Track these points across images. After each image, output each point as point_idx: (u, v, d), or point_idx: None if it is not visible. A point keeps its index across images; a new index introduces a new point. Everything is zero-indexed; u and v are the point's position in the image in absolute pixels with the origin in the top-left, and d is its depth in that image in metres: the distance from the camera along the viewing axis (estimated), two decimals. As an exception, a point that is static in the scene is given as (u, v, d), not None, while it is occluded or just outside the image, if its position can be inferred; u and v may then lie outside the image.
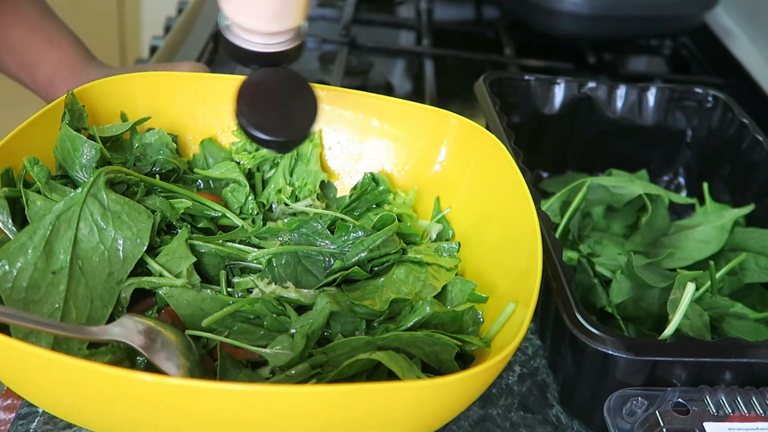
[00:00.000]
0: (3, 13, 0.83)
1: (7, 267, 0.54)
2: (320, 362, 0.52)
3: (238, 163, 0.70)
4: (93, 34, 0.90)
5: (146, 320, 0.54)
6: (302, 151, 0.71)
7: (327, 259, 0.63)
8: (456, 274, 0.63)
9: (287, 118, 0.57)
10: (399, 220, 0.68)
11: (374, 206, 0.69)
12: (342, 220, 0.66)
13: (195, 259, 0.59)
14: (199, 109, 0.72)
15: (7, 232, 0.57)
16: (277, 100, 0.57)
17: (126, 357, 0.53)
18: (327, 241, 0.63)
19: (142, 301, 0.58)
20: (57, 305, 0.54)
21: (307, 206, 0.69)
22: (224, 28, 0.56)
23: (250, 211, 0.68)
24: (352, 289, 0.60)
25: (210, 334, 0.55)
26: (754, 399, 0.55)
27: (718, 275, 0.70)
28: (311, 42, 1.20)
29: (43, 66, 0.83)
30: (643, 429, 0.54)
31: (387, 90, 1.16)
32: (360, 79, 1.15)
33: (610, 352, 0.54)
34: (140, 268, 0.58)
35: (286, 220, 0.67)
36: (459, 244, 0.65)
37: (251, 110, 0.56)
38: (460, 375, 0.44)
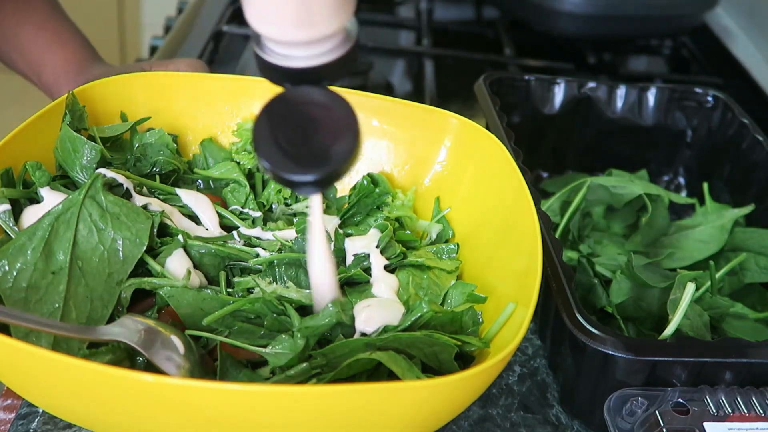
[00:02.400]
0: (14, 13, 0.84)
1: (6, 267, 0.54)
2: (320, 364, 0.52)
3: (238, 163, 0.70)
4: (93, 34, 0.90)
5: (146, 320, 0.54)
6: (302, 151, 0.71)
7: None
8: (457, 276, 0.63)
9: (316, 152, 0.46)
10: (399, 222, 0.68)
11: (375, 208, 0.69)
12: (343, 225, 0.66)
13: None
14: (199, 109, 0.72)
15: (9, 232, 0.57)
16: (305, 129, 0.46)
17: (126, 357, 0.53)
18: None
19: (142, 301, 0.58)
20: (57, 305, 0.54)
21: (307, 207, 0.69)
22: (254, 40, 0.46)
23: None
24: (354, 291, 0.60)
25: (210, 334, 0.55)
26: (754, 399, 0.55)
27: (718, 275, 0.70)
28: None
29: (49, 65, 0.84)
30: (643, 429, 0.54)
31: (387, 90, 1.16)
32: (360, 79, 1.15)
33: (610, 352, 0.54)
34: (140, 269, 0.58)
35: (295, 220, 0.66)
36: (458, 245, 0.65)
37: (271, 142, 0.45)
38: (460, 375, 0.44)
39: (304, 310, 0.58)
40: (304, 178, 0.45)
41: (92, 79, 0.69)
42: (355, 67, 0.47)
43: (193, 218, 0.65)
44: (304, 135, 0.46)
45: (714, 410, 0.54)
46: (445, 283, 0.62)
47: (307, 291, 0.59)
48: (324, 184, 0.46)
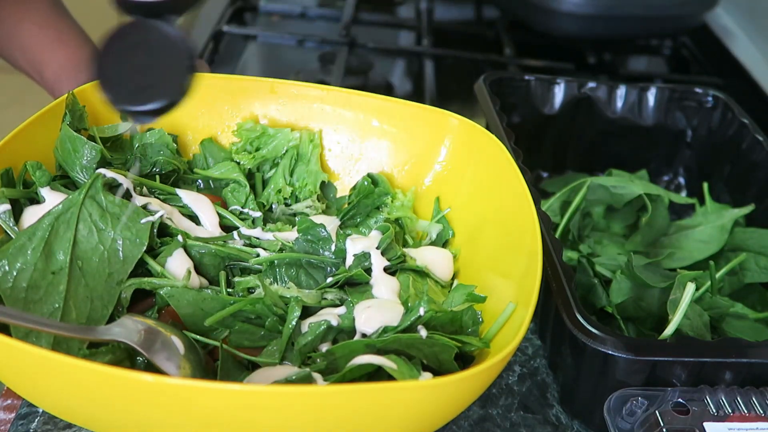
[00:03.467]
0: (16, 10, 0.84)
1: (7, 267, 0.54)
2: (319, 368, 0.52)
3: (238, 163, 0.70)
4: (93, 34, 0.90)
5: (146, 320, 0.54)
6: (302, 151, 0.71)
7: (329, 268, 0.63)
8: (454, 278, 0.63)
9: (148, 82, 0.49)
10: (398, 223, 0.68)
11: (375, 208, 0.69)
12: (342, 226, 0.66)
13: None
14: (199, 109, 0.72)
15: (9, 232, 0.57)
16: (142, 61, 0.50)
17: (126, 357, 0.53)
18: (330, 252, 0.63)
19: (142, 301, 0.58)
20: (57, 305, 0.54)
21: (307, 207, 0.69)
22: None
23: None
24: (355, 292, 0.60)
25: (208, 340, 0.55)
26: (754, 399, 0.55)
27: (718, 275, 0.70)
28: (311, 42, 1.20)
29: (51, 64, 0.84)
30: (643, 429, 0.54)
31: (387, 90, 1.16)
32: (360, 79, 1.15)
33: (610, 352, 0.54)
34: (140, 269, 0.58)
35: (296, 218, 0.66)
36: (457, 251, 0.66)
37: (110, 71, 0.49)
38: (460, 375, 0.44)
39: (306, 309, 0.58)
40: (141, 108, 0.49)
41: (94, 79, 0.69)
42: (191, 6, 0.51)
43: (193, 218, 0.65)
44: (143, 67, 0.50)
45: (714, 410, 0.54)
46: (444, 295, 0.62)
47: (308, 291, 0.59)
48: (159, 114, 0.50)
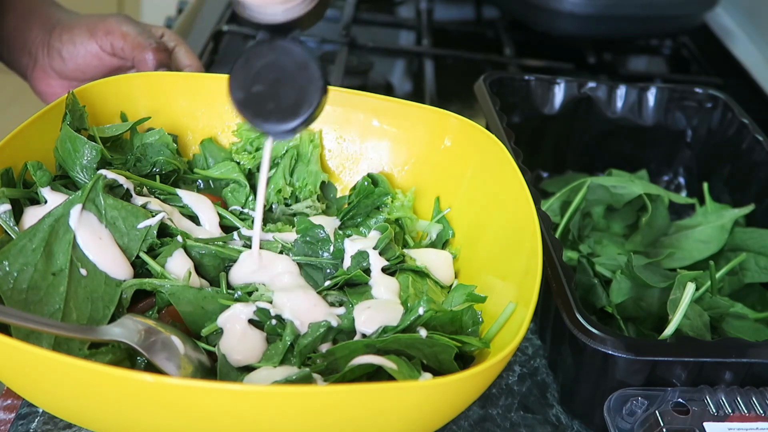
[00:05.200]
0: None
1: (8, 268, 0.54)
2: (319, 368, 0.52)
3: (238, 163, 0.70)
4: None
5: (146, 320, 0.54)
6: (302, 151, 0.71)
7: (328, 269, 0.63)
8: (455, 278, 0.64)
9: (284, 101, 0.52)
10: (398, 223, 0.68)
11: (375, 208, 0.69)
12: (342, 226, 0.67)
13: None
14: (199, 109, 0.72)
15: (9, 232, 0.57)
16: (275, 80, 0.52)
17: (126, 357, 0.53)
18: (328, 254, 0.63)
19: (142, 301, 0.58)
20: (58, 306, 0.54)
21: (307, 207, 0.69)
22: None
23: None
24: (354, 293, 0.60)
25: (207, 345, 0.55)
26: (754, 399, 0.55)
27: (718, 275, 0.70)
28: (311, 42, 1.20)
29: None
30: (643, 429, 0.54)
31: (387, 90, 1.16)
32: (360, 79, 1.15)
33: (610, 352, 0.55)
34: (141, 269, 0.58)
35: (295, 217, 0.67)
36: (457, 251, 0.66)
37: (245, 92, 0.52)
38: (460, 375, 0.44)
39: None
40: (275, 128, 0.52)
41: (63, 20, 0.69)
42: (325, 14, 0.54)
43: (193, 218, 0.65)
44: (275, 86, 0.52)
45: (714, 410, 0.54)
46: (443, 295, 0.62)
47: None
48: (296, 132, 0.53)
